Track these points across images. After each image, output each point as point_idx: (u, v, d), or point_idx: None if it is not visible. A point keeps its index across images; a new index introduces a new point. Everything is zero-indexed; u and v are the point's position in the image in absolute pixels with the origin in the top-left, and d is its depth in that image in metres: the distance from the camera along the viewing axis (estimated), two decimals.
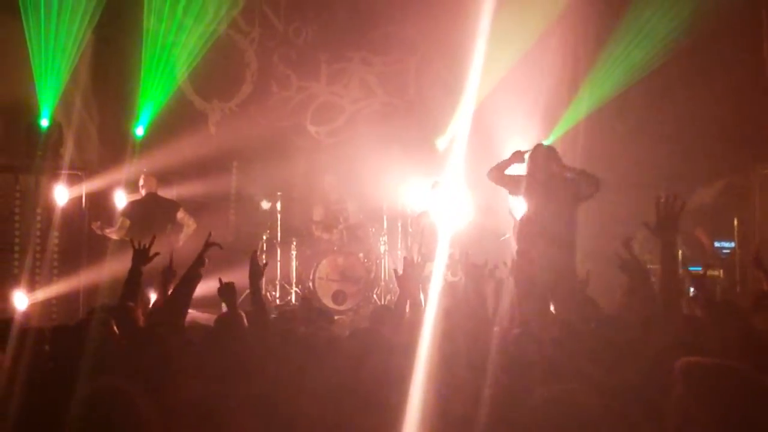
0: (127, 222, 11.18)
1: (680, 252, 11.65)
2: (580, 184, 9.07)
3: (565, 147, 13.93)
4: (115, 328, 5.23)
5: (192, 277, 5.83)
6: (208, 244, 6.07)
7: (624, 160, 13.76)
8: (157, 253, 6.22)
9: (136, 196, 11.69)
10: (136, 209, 11.37)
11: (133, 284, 5.99)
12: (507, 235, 11.07)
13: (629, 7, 12.95)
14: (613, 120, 14.09)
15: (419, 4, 14.18)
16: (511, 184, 9.41)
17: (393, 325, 6.18)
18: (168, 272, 6.46)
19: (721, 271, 11.52)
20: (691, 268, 11.61)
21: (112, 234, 11.20)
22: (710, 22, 12.35)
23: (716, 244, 12.22)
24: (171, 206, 11.64)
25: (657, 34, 12.97)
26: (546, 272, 7.53)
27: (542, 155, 9.26)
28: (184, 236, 11.22)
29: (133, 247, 6.25)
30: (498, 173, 9.42)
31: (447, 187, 11.58)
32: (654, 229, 5.12)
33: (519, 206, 9.64)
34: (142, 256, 6.15)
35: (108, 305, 6.22)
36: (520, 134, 12.95)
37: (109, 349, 4.84)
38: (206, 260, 5.97)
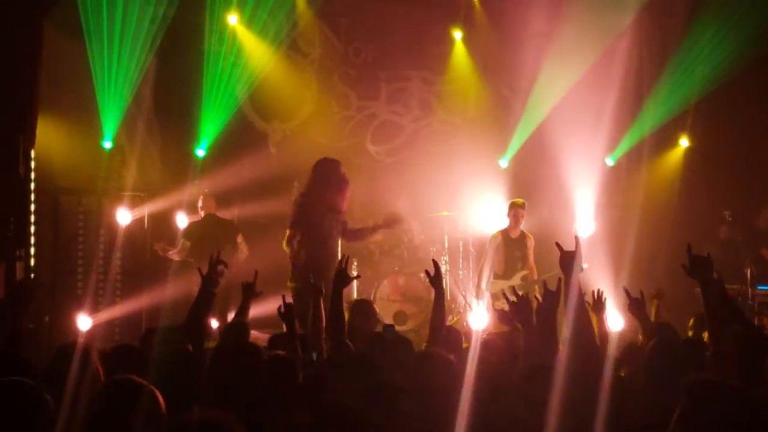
0: (188, 243, 11.24)
1: (749, 271, 11.44)
2: None
3: (629, 164, 13.80)
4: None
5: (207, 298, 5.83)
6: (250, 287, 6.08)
7: (688, 177, 13.56)
8: (223, 270, 6.18)
9: (195, 218, 11.74)
10: (196, 230, 11.44)
11: (204, 307, 5.93)
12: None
13: (694, 23, 12.75)
14: (677, 137, 13.89)
15: (479, 24, 14.12)
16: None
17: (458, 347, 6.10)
18: (249, 289, 6.41)
19: None
20: (759, 287, 11.45)
21: (174, 255, 11.26)
22: None
23: None
24: (231, 227, 11.72)
25: (722, 50, 12.76)
26: None
27: None
28: (236, 261, 11.23)
29: (200, 272, 6.12)
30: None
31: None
32: (689, 272, 5.22)
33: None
34: (212, 280, 6.07)
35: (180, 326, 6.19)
36: (584, 151, 12.80)
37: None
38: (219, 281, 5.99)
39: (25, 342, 6.73)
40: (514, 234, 11.32)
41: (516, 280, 10.91)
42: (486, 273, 11.25)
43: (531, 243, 11.39)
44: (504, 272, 11.23)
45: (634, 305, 6.55)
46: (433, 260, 6.92)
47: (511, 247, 11.31)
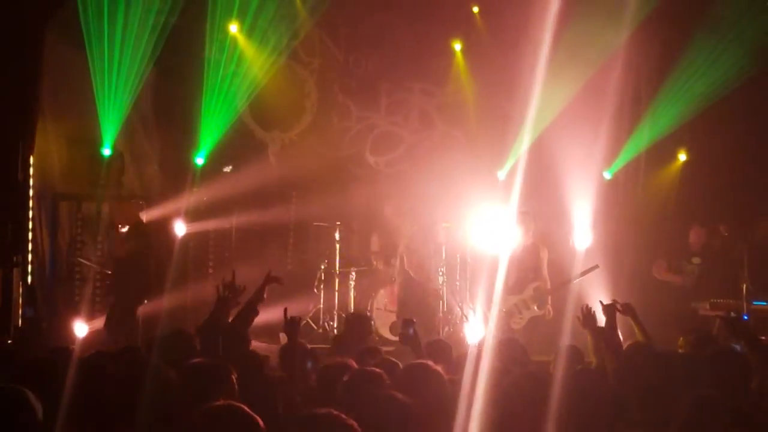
0: None
1: (745, 286, 11.42)
2: None
3: (626, 178, 13.82)
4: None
5: (250, 312, 5.80)
6: (269, 280, 6.04)
7: (685, 192, 13.58)
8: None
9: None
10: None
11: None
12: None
13: (693, 37, 12.77)
14: (675, 152, 13.91)
15: (479, 36, 14.15)
16: None
17: (447, 359, 6.12)
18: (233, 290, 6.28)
19: None
20: (755, 303, 11.41)
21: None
22: None
23: None
24: None
25: (721, 64, 12.78)
26: None
27: None
28: None
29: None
30: None
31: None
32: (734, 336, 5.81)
33: None
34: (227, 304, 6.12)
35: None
36: (582, 164, 12.81)
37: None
38: (265, 296, 5.97)
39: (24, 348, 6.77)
40: (525, 244, 10.83)
41: (528, 292, 10.68)
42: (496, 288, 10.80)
43: (545, 254, 10.90)
44: (514, 285, 10.64)
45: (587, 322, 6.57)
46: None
47: (521, 258, 10.75)
